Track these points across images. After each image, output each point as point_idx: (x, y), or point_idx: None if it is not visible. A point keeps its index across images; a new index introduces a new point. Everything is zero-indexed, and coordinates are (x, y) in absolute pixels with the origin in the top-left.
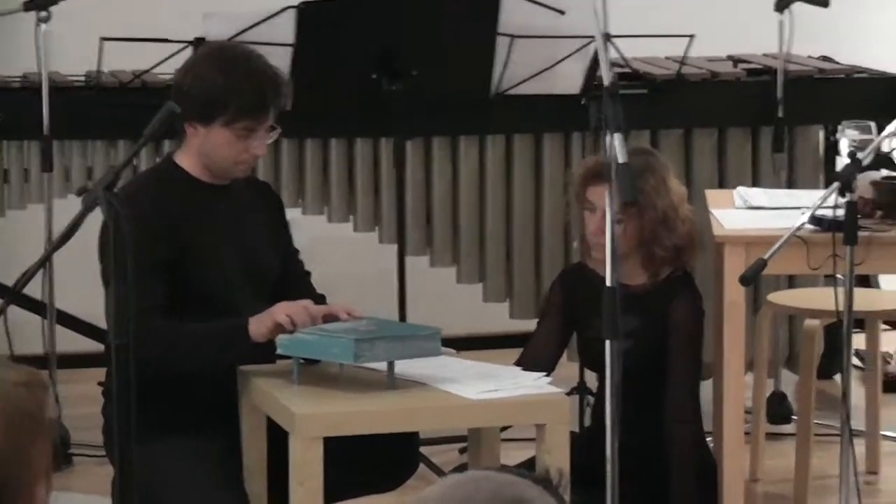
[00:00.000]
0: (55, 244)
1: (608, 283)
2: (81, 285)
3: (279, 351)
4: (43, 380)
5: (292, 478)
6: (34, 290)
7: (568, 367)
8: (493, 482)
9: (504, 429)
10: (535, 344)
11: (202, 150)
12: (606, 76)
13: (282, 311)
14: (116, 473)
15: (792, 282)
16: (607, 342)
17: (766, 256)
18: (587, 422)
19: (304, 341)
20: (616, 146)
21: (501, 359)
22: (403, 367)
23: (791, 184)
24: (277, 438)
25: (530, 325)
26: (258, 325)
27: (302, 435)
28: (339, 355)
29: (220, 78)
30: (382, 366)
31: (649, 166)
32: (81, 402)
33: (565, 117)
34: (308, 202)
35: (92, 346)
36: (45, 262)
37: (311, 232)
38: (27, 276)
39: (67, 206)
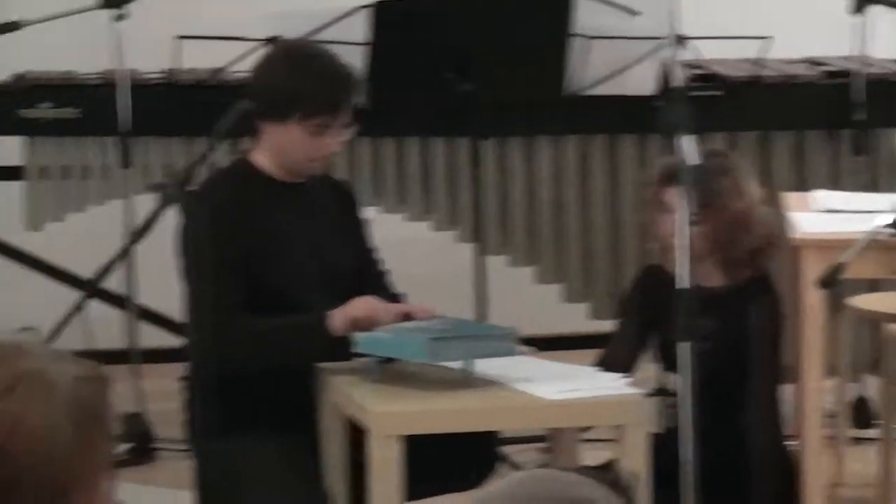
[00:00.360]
0: (131, 240)
1: (682, 284)
2: (164, 280)
3: (356, 349)
4: (104, 374)
5: (370, 476)
6: (116, 285)
7: (649, 368)
8: (557, 482)
9: (585, 429)
10: (613, 345)
11: (277, 148)
12: (677, 78)
13: (360, 305)
14: (197, 468)
15: (875, 286)
16: (682, 344)
17: (844, 260)
18: (667, 424)
19: (381, 340)
20: (686, 148)
21: (580, 360)
22: (482, 366)
23: (871, 187)
24: (359, 436)
25: (609, 325)
26: (336, 320)
27: (379, 433)
28: (415, 354)
29: (294, 76)
30: (460, 365)
31: (724, 168)
32: (164, 396)
33: (640, 118)
34: (386, 201)
35: (174, 340)
36: (120, 257)
37: (389, 231)
38: (104, 271)
39: (146, 203)
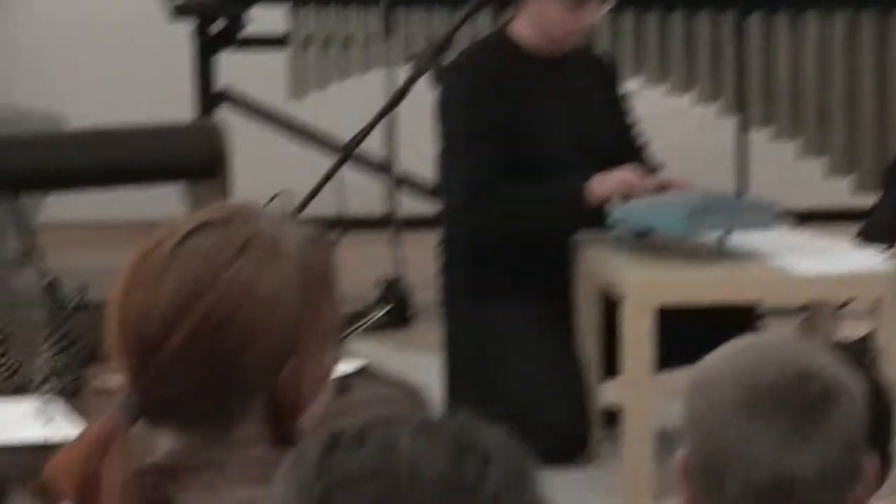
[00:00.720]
0: (385, 107)
1: None
2: (423, 148)
3: (612, 220)
4: (328, 237)
5: (623, 344)
6: (375, 152)
7: None
8: (779, 351)
9: (843, 304)
10: (877, 217)
11: (536, 20)
12: None
13: (617, 176)
14: (449, 332)
15: None
16: None
17: None
18: None
19: (637, 212)
20: None
21: (841, 234)
22: (738, 239)
23: None
24: (611, 306)
25: (872, 200)
26: (594, 190)
27: (634, 303)
28: (672, 226)
29: None
30: (717, 238)
31: None
32: (421, 263)
33: None
34: (648, 74)
35: (431, 208)
36: (375, 123)
37: (651, 104)
38: (360, 137)
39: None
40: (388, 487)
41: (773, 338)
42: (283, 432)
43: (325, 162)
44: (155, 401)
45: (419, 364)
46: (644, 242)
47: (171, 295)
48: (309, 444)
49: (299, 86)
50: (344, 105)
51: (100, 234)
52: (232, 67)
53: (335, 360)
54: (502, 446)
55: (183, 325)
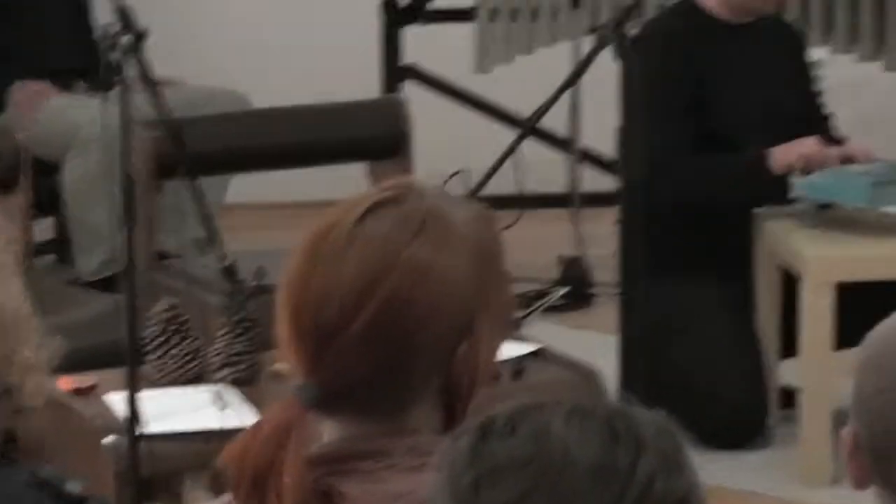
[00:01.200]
0: (567, 81)
1: None
2: (606, 123)
3: (794, 193)
4: (492, 214)
5: (803, 321)
6: (560, 127)
7: None
8: None
9: None
10: None
11: None
12: None
13: (801, 145)
14: (623, 313)
15: None
16: None
17: None
18: None
19: (820, 183)
20: None
21: None
22: None
23: None
24: (793, 282)
25: None
26: (777, 158)
27: (814, 279)
28: (856, 198)
29: None
30: None
31: None
32: (602, 240)
33: None
34: (837, 41)
35: (612, 184)
36: (557, 97)
37: (839, 72)
38: (540, 112)
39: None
40: (539, 475)
41: None
42: (455, 416)
43: (508, 138)
44: (333, 388)
45: (597, 346)
46: (827, 216)
47: (352, 279)
48: (463, 431)
49: (485, 60)
50: (530, 78)
51: (278, 216)
52: (419, 42)
53: (503, 339)
54: (656, 432)
55: (364, 309)
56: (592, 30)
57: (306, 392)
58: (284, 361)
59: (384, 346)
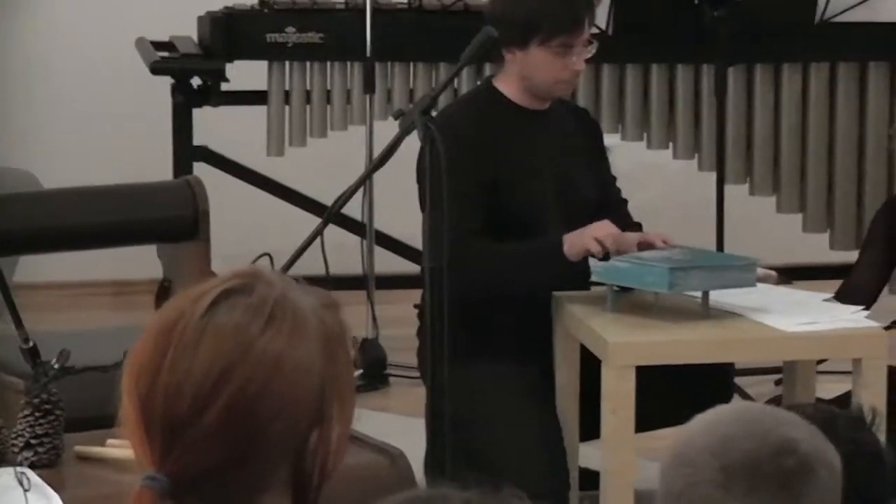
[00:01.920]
0: (372, 166)
1: None
2: (400, 207)
3: (593, 278)
4: (337, 300)
5: (605, 406)
6: (354, 211)
7: (889, 300)
8: (756, 425)
9: (820, 362)
10: (856, 276)
11: (522, 74)
12: None
13: (598, 230)
14: (429, 395)
15: None
16: None
17: None
18: None
19: (619, 269)
20: None
21: (820, 290)
22: (718, 297)
23: None
24: (591, 364)
25: (851, 256)
26: (573, 244)
27: (615, 363)
28: (654, 284)
29: None
30: (699, 295)
31: None
32: (398, 323)
33: (891, 46)
34: (628, 128)
35: (409, 267)
36: (362, 183)
37: (630, 159)
38: (344, 198)
39: (388, 128)
40: None
41: (749, 408)
42: (307, 501)
43: (304, 218)
44: (183, 479)
45: (398, 427)
46: (626, 300)
47: (204, 371)
48: None
49: (278, 141)
50: (323, 162)
51: (75, 296)
52: (216, 124)
53: (353, 421)
54: None
55: (216, 402)
56: (397, 114)
57: (157, 483)
58: (130, 447)
59: (235, 438)
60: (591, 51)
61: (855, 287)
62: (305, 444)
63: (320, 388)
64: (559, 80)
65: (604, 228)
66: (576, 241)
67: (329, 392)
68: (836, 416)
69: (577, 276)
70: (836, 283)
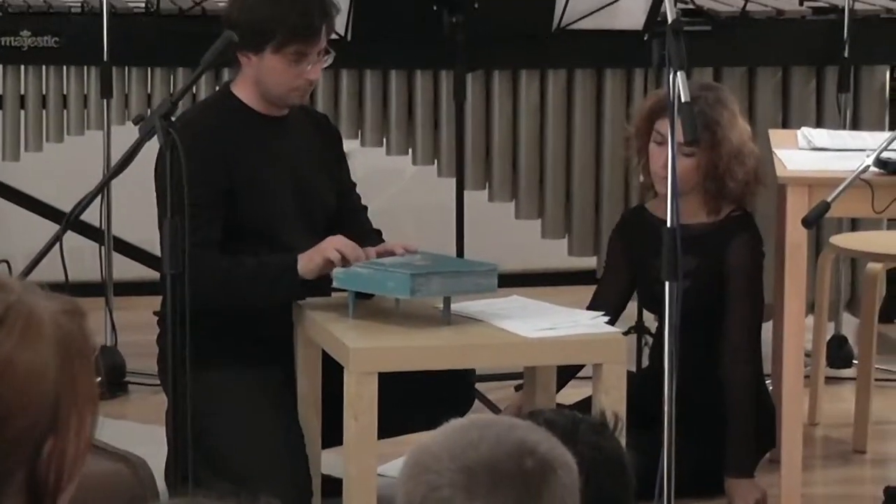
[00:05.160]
0: (112, 172)
1: (668, 223)
2: (139, 213)
3: (335, 284)
4: (81, 307)
5: (347, 412)
6: (92, 217)
7: (626, 307)
8: (493, 429)
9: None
10: (600, 295)
11: (256, 79)
12: (670, 13)
13: (331, 245)
14: (170, 403)
15: (855, 225)
16: (666, 283)
17: (829, 199)
18: (645, 362)
19: (360, 275)
20: (679, 84)
21: (559, 296)
22: (461, 302)
23: (856, 125)
24: (332, 371)
25: (588, 262)
26: (307, 262)
27: (357, 369)
28: (395, 289)
29: (267, 5)
30: (440, 301)
31: (721, 100)
32: (137, 329)
33: (627, 54)
34: (367, 134)
35: (148, 273)
36: (101, 189)
37: (370, 164)
38: (83, 204)
39: (126, 133)
40: None
41: (481, 417)
42: None
43: (42, 224)
44: None
45: (137, 435)
46: (367, 306)
47: None
48: None
49: (13, 146)
50: (61, 167)
51: None
52: None
53: (94, 429)
54: None
55: None
56: (136, 119)
57: None
58: None
59: None
60: (328, 60)
61: (602, 299)
62: (39, 452)
63: (54, 395)
64: (292, 87)
65: (340, 240)
66: (313, 256)
67: (65, 399)
68: (579, 422)
69: (318, 284)
70: (575, 289)
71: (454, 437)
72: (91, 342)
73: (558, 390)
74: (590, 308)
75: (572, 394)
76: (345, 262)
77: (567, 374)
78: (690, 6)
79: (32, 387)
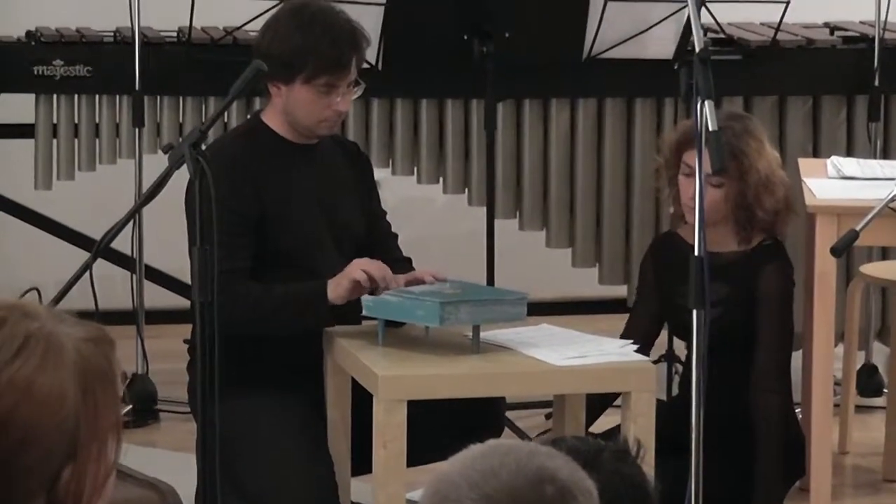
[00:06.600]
0: (142, 200)
1: (696, 251)
2: (170, 241)
3: (364, 312)
4: (109, 335)
5: (376, 439)
6: (123, 245)
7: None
8: (514, 455)
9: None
10: (633, 324)
11: (286, 109)
12: (698, 42)
13: (357, 267)
14: (199, 430)
15: (886, 253)
16: (693, 311)
17: (858, 228)
18: (675, 391)
19: (390, 303)
20: (707, 113)
21: (589, 324)
22: (490, 331)
23: (886, 154)
24: (362, 399)
25: (619, 290)
26: (335, 287)
27: (386, 397)
28: (425, 318)
29: (298, 36)
30: (469, 329)
31: (748, 130)
32: (168, 357)
33: (657, 82)
34: (398, 163)
35: (179, 301)
36: (131, 217)
37: (401, 193)
38: (114, 232)
39: (158, 162)
40: None
41: (500, 443)
42: None
43: (73, 252)
44: None
45: (167, 462)
46: (397, 334)
47: None
48: None
49: (46, 175)
50: (92, 195)
51: None
52: None
53: (117, 457)
54: None
55: None
56: (166, 147)
57: None
58: None
59: None
60: (358, 92)
61: (635, 328)
62: (59, 476)
63: (74, 420)
64: (321, 118)
65: (366, 261)
66: (340, 281)
67: (86, 425)
68: (601, 449)
69: (348, 311)
70: (606, 318)
71: (473, 465)
72: (115, 369)
73: (594, 419)
74: (623, 335)
75: (603, 422)
76: (372, 282)
77: (602, 403)
78: (721, 36)
79: (52, 412)
